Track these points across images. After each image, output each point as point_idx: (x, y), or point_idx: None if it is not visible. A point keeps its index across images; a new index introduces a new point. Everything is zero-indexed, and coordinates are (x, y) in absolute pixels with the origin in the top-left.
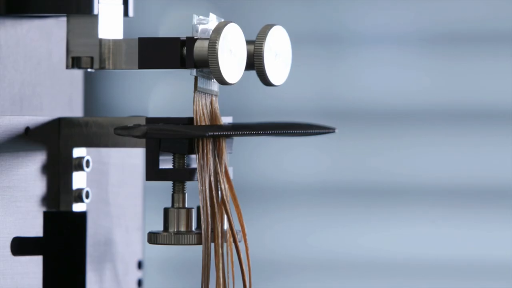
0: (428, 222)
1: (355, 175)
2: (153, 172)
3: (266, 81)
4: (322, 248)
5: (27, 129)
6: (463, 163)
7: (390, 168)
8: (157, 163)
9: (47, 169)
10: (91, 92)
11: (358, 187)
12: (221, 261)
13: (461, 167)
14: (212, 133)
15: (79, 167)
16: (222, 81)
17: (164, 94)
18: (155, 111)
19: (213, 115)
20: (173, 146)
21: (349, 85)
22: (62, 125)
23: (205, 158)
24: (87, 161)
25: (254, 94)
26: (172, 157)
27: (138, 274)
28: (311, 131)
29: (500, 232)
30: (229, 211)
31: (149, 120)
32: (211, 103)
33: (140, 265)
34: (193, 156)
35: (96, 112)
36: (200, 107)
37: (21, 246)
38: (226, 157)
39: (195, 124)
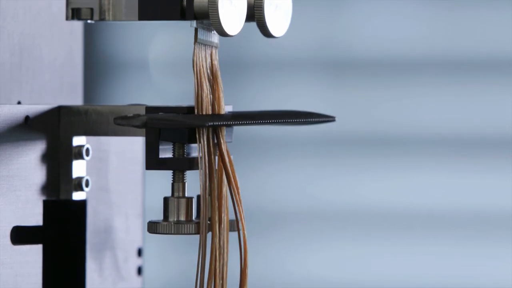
0: (429, 172)
1: (355, 125)
2: (153, 161)
3: (266, 33)
4: (321, 198)
5: (27, 118)
6: (464, 112)
7: (390, 118)
8: (157, 152)
9: (47, 158)
10: (91, 43)
11: (358, 137)
12: (218, 250)
13: (463, 117)
14: (212, 123)
15: (79, 156)
16: (222, 33)
17: (164, 45)
18: (155, 63)
19: (213, 68)
20: (173, 135)
21: (350, 34)
22: (62, 114)
23: (205, 147)
24: (87, 150)
25: (254, 45)
26: (172, 146)
27: (138, 261)
28: (310, 119)
29: (501, 181)
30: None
31: (149, 110)
32: (211, 55)
33: (140, 252)
34: (194, 145)
35: (96, 62)
36: (200, 59)
37: (21, 235)
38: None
39: (194, 78)
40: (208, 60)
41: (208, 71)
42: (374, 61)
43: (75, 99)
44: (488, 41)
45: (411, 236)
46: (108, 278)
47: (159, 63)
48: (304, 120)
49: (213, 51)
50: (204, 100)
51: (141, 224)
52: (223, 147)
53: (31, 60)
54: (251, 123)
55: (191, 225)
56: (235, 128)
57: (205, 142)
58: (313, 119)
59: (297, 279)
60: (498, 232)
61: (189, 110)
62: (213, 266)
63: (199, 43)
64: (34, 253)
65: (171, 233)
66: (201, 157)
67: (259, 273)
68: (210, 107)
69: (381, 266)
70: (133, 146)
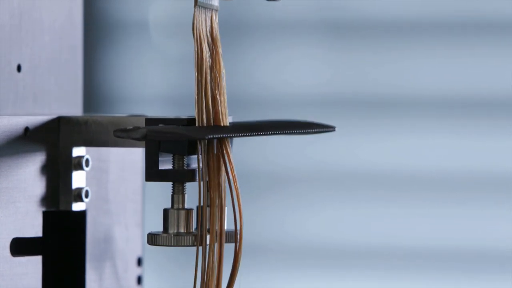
0: (430, 133)
1: (356, 87)
2: (152, 173)
3: None
4: (321, 159)
5: (26, 129)
6: (465, 74)
7: (392, 79)
8: (156, 163)
9: (47, 168)
10: (90, 4)
11: (359, 99)
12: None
13: (464, 78)
14: (212, 136)
15: (79, 166)
16: None
17: (164, 7)
18: (155, 24)
19: (213, 32)
20: (173, 147)
21: None
22: (62, 124)
23: (206, 159)
24: (87, 160)
25: (254, 8)
26: (171, 157)
27: (137, 271)
28: (310, 130)
29: (502, 142)
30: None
31: (149, 121)
32: (211, 18)
33: (139, 261)
34: (194, 156)
35: (95, 23)
36: (200, 22)
37: (20, 246)
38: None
39: (194, 41)
40: (208, 23)
41: (208, 34)
42: (375, 22)
43: (75, 62)
44: (490, 3)
45: (412, 197)
46: None
47: (159, 25)
48: (304, 130)
49: (213, 15)
50: (204, 65)
51: (140, 233)
52: (227, 158)
53: (31, 22)
54: (251, 134)
55: (190, 237)
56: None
57: (205, 154)
58: (313, 130)
59: (297, 241)
60: (499, 193)
61: (189, 121)
62: (206, 280)
63: (199, 6)
64: (33, 264)
65: (170, 245)
66: (200, 169)
67: (258, 235)
68: (209, 79)
69: (381, 228)
70: (133, 155)
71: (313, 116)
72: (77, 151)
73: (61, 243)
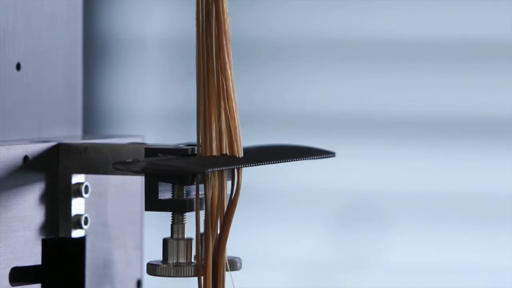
0: (432, 3)
1: None
2: (152, 203)
3: None
4: (325, 28)
5: (26, 158)
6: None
7: None
8: (156, 194)
9: (46, 196)
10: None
11: None
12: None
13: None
14: (211, 169)
15: (78, 193)
16: None
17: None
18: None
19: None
20: (173, 178)
21: None
22: (61, 152)
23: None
24: (86, 187)
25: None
26: (171, 186)
27: None
28: (311, 157)
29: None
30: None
31: (148, 152)
32: None
33: (139, 284)
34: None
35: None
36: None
37: (20, 275)
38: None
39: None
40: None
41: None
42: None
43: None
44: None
45: (415, 66)
46: None
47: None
48: (305, 158)
49: None
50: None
51: (140, 255)
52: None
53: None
54: (251, 165)
55: (190, 267)
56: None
57: (206, 185)
58: (314, 157)
59: (297, 110)
60: (500, 61)
61: (190, 151)
62: None
63: None
64: None
65: (170, 276)
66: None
67: (258, 104)
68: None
69: (383, 97)
70: (132, 178)
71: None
72: (76, 178)
73: (60, 270)
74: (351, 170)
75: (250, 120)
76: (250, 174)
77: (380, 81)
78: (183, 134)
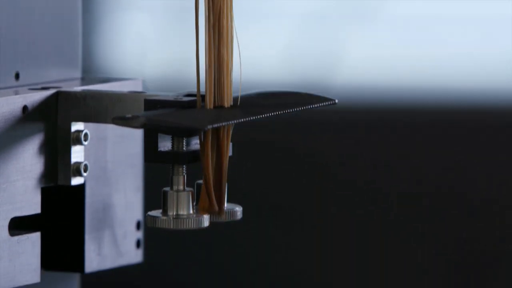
0: None
1: None
2: (151, 155)
3: None
4: None
5: (25, 108)
6: None
7: None
8: (156, 145)
9: (45, 145)
10: None
11: None
12: None
13: None
14: (211, 126)
15: (77, 141)
16: None
17: None
18: None
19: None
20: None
21: None
22: (60, 101)
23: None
24: (85, 135)
25: None
26: (171, 138)
27: (137, 234)
28: (311, 106)
29: None
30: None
31: (148, 104)
32: None
33: (139, 225)
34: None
35: None
36: None
37: (19, 224)
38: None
39: None
40: None
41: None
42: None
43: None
44: None
45: None
46: (108, 256)
47: None
48: (306, 107)
49: None
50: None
51: (140, 197)
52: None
53: None
54: (254, 118)
55: (190, 219)
56: None
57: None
58: (314, 105)
59: None
60: None
61: (190, 104)
62: None
63: None
64: (32, 243)
65: (170, 228)
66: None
67: None
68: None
69: None
70: None
71: None
72: (76, 126)
73: (60, 218)
74: None
75: None
76: None
77: None
78: None
